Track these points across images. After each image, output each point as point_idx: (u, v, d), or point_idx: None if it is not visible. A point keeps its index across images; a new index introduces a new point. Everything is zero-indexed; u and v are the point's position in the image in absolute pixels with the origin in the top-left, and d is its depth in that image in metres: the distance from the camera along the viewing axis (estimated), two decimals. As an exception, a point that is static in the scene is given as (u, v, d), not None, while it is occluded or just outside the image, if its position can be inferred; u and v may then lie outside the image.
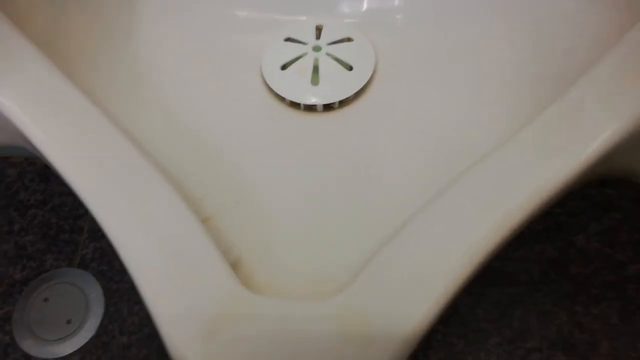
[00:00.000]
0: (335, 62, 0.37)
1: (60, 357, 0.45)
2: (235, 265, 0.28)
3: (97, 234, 0.48)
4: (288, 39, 0.38)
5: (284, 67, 0.37)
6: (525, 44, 0.34)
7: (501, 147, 0.26)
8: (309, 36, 0.38)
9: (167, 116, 0.34)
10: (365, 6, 0.39)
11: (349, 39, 0.38)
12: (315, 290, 0.27)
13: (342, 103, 0.36)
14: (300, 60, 0.37)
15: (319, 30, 0.39)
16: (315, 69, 0.37)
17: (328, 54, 0.37)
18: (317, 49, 0.38)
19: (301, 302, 0.23)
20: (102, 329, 0.44)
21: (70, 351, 0.43)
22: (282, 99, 0.36)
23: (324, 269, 0.29)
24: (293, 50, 0.38)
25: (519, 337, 0.41)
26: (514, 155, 0.25)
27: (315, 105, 0.35)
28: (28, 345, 0.45)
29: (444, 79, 0.36)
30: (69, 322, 0.45)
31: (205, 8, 0.39)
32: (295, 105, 0.36)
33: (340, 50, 0.37)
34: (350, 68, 0.36)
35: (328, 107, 0.36)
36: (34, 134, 0.25)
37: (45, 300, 0.48)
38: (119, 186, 0.24)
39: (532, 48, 0.33)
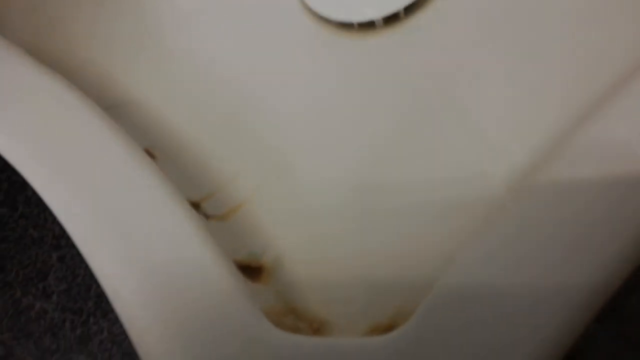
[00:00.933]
0: (392, -48, 0.26)
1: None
2: (274, 268, 0.21)
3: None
4: None
5: (323, -26, 0.27)
6: None
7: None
8: None
9: (183, 68, 0.27)
10: None
11: None
12: (385, 303, 0.20)
13: (409, 10, 0.25)
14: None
15: None
16: (366, -32, 0.26)
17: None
18: (365, -64, 0.27)
19: (360, 341, 0.16)
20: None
21: None
22: (326, 20, 0.26)
23: (400, 270, 0.21)
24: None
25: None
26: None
27: (372, 22, 0.26)
28: None
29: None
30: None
31: None
32: (345, 26, 0.26)
33: None
34: (415, -45, 0.25)
35: (391, 20, 0.26)
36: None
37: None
38: (103, 206, 0.19)
39: None
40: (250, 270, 0.21)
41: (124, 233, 0.18)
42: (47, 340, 0.43)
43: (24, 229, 0.47)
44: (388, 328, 0.19)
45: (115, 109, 0.24)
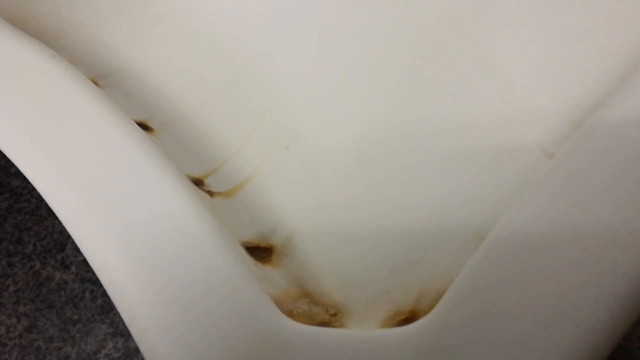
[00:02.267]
0: None
1: None
2: (285, 248, 0.20)
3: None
4: None
5: None
6: None
7: None
8: None
9: (179, 30, 0.25)
10: None
11: None
12: (408, 285, 0.18)
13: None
14: None
15: None
16: None
17: None
18: None
19: (380, 334, 0.15)
20: None
21: None
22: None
23: (425, 246, 0.19)
24: None
25: None
26: None
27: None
28: None
29: None
30: None
31: None
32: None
33: None
34: None
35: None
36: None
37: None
38: (92, 187, 0.17)
39: None
40: (260, 251, 0.19)
41: (116, 215, 0.17)
42: (69, 311, 0.42)
43: (39, 200, 0.46)
44: (411, 314, 0.17)
45: (109, 78, 0.22)
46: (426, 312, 0.16)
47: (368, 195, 0.20)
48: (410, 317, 0.17)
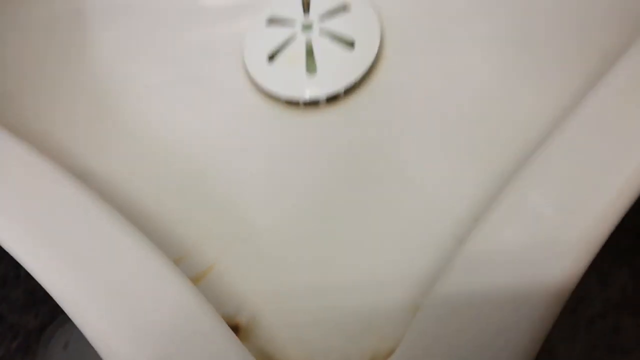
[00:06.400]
0: (332, 41, 0.30)
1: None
2: (250, 326, 0.22)
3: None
4: (271, 21, 0.31)
5: (271, 58, 0.30)
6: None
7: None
8: (296, 12, 0.31)
9: (141, 145, 0.28)
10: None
11: (344, 8, 0.31)
12: (363, 346, 0.21)
13: (349, 91, 0.29)
14: (290, 45, 0.30)
15: (306, 2, 0.31)
16: (310, 53, 0.30)
17: (322, 31, 0.30)
18: (307, 27, 0.31)
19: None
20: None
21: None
22: (276, 98, 0.29)
23: (372, 310, 0.23)
24: (279, 33, 0.31)
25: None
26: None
27: (317, 101, 0.29)
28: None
29: (472, 44, 0.29)
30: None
31: (162, 5, 0.32)
32: (293, 104, 0.29)
33: (337, 24, 0.30)
34: (352, 44, 0.30)
35: (332, 100, 0.29)
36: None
37: (65, 346, 0.45)
38: (83, 265, 0.19)
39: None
40: (228, 329, 0.21)
41: (114, 295, 0.18)
42: None
43: None
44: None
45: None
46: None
47: (320, 277, 0.24)
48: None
